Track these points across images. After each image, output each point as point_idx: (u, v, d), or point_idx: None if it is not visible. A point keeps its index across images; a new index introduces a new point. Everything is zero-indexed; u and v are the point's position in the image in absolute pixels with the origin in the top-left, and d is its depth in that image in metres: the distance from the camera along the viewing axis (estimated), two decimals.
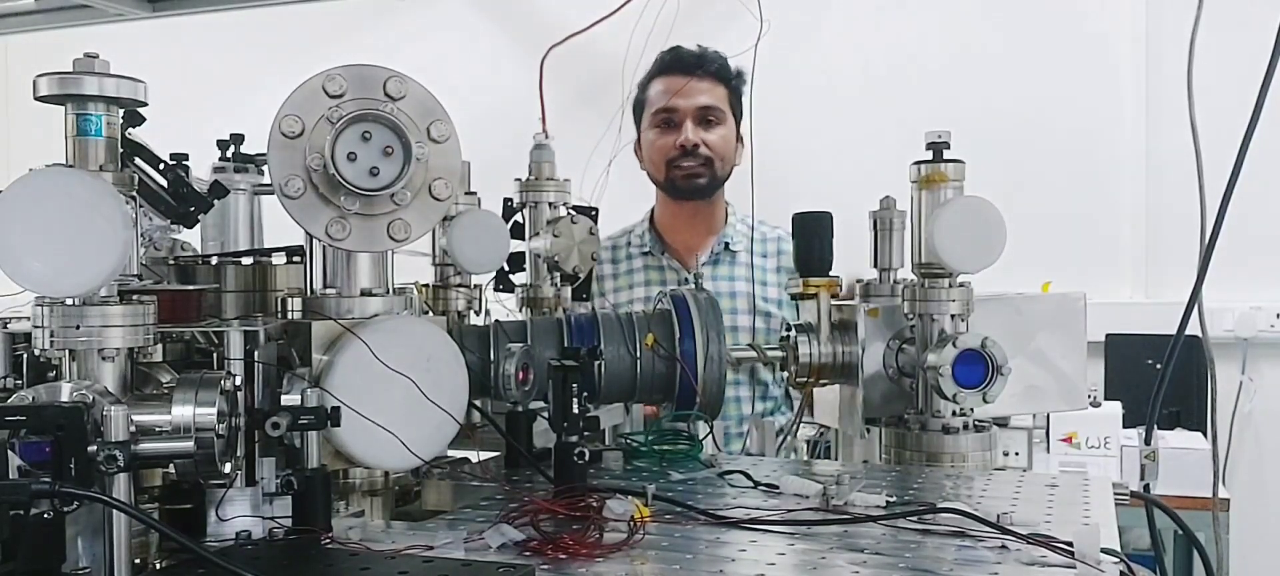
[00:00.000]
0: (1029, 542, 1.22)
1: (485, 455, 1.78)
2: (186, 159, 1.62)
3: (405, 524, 1.39)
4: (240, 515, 1.25)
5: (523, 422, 1.72)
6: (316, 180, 1.30)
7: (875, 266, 1.92)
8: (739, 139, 2.82)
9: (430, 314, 1.71)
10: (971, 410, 1.73)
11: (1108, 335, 3.94)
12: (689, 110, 2.73)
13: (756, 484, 1.56)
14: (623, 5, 2.03)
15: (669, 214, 2.87)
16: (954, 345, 1.66)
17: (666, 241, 2.85)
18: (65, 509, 1.01)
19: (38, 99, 1.26)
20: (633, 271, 2.84)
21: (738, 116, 2.80)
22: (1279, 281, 3.99)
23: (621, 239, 2.89)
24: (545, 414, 1.58)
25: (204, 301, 1.52)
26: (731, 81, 2.78)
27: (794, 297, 1.95)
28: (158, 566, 1.20)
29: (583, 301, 1.99)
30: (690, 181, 2.75)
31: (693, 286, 1.86)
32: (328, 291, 1.41)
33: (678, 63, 2.74)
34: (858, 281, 1.97)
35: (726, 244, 2.80)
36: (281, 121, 1.29)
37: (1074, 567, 1.14)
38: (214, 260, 1.64)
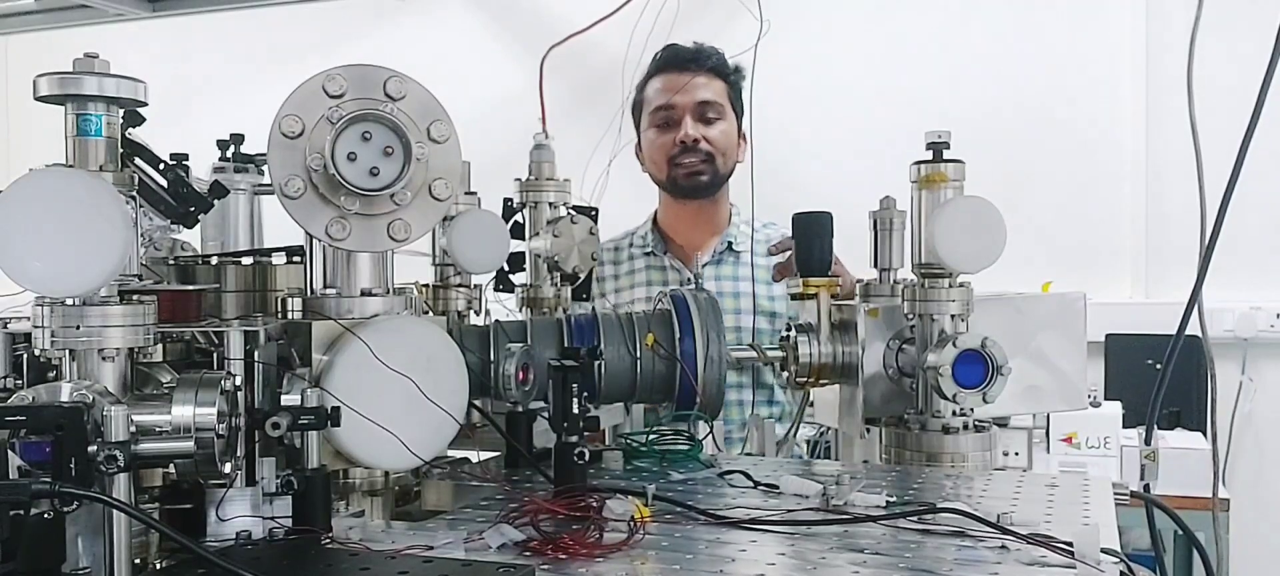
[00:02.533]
0: (1029, 542, 1.22)
1: (485, 455, 1.78)
2: (186, 159, 1.62)
3: (405, 524, 1.39)
4: (240, 515, 1.25)
5: (523, 422, 1.71)
6: (316, 180, 1.30)
7: (875, 266, 1.92)
8: (741, 136, 2.80)
9: (430, 314, 1.71)
10: (971, 410, 1.73)
11: (1108, 335, 3.94)
12: (688, 106, 2.71)
13: (756, 484, 1.56)
14: (623, 5, 2.03)
15: (672, 214, 2.85)
16: (954, 345, 1.66)
17: (670, 240, 2.84)
18: (65, 509, 1.01)
19: (38, 99, 1.26)
20: (634, 271, 2.83)
21: (738, 112, 2.79)
22: (1279, 281, 3.99)
23: (624, 240, 2.88)
24: (545, 414, 1.58)
25: (204, 301, 1.52)
26: (730, 77, 2.76)
27: (794, 297, 1.95)
28: (158, 566, 1.20)
29: (583, 301, 1.99)
30: (692, 179, 2.73)
31: (693, 286, 1.86)
32: (328, 291, 1.41)
33: (675, 60, 2.73)
34: (859, 281, 1.97)
35: (729, 243, 2.79)
36: (281, 121, 1.29)
37: (1074, 567, 1.14)
38: (214, 260, 1.64)
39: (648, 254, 2.83)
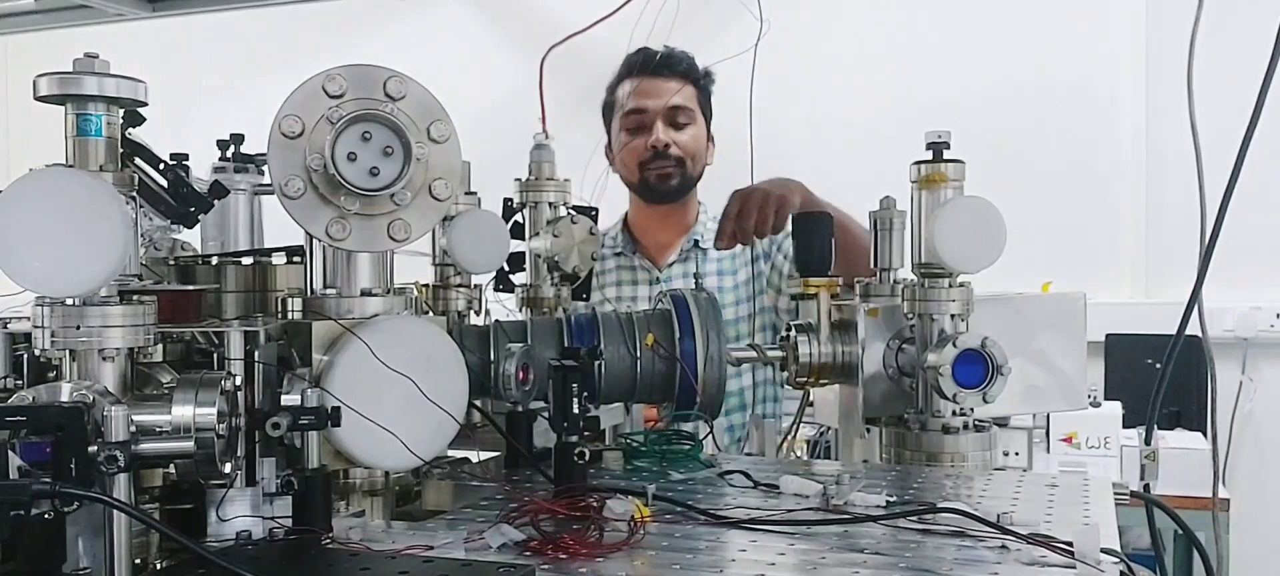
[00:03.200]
0: (1029, 542, 1.22)
1: (485, 455, 1.78)
2: (186, 159, 1.62)
3: (405, 524, 1.39)
4: (240, 515, 1.25)
5: (523, 422, 1.72)
6: (316, 180, 1.30)
7: (875, 266, 1.92)
8: (710, 139, 2.82)
9: (430, 314, 1.71)
10: (971, 410, 1.73)
11: (1108, 335, 3.94)
12: (659, 111, 2.73)
13: (756, 484, 1.56)
14: (623, 5, 2.03)
15: (642, 215, 2.88)
16: (954, 345, 1.66)
17: (638, 242, 2.86)
18: (65, 509, 1.01)
19: (38, 99, 1.26)
20: (604, 271, 2.85)
21: (707, 116, 2.81)
22: (1279, 281, 3.99)
23: None
24: (545, 414, 1.58)
25: (204, 301, 1.52)
26: (700, 81, 2.78)
27: (794, 298, 1.95)
28: (158, 566, 1.20)
29: (583, 301, 1.99)
30: (663, 182, 2.76)
31: (693, 286, 1.86)
32: (328, 291, 1.41)
33: (645, 64, 2.74)
34: (857, 280, 1.97)
35: (696, 242, 2.81)
36: (281, 121, 1.29)
37: (1074, 567, 1.14)
38: (214, 260, 1.64)
39: (618, 254, 2.85)
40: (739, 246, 2.68)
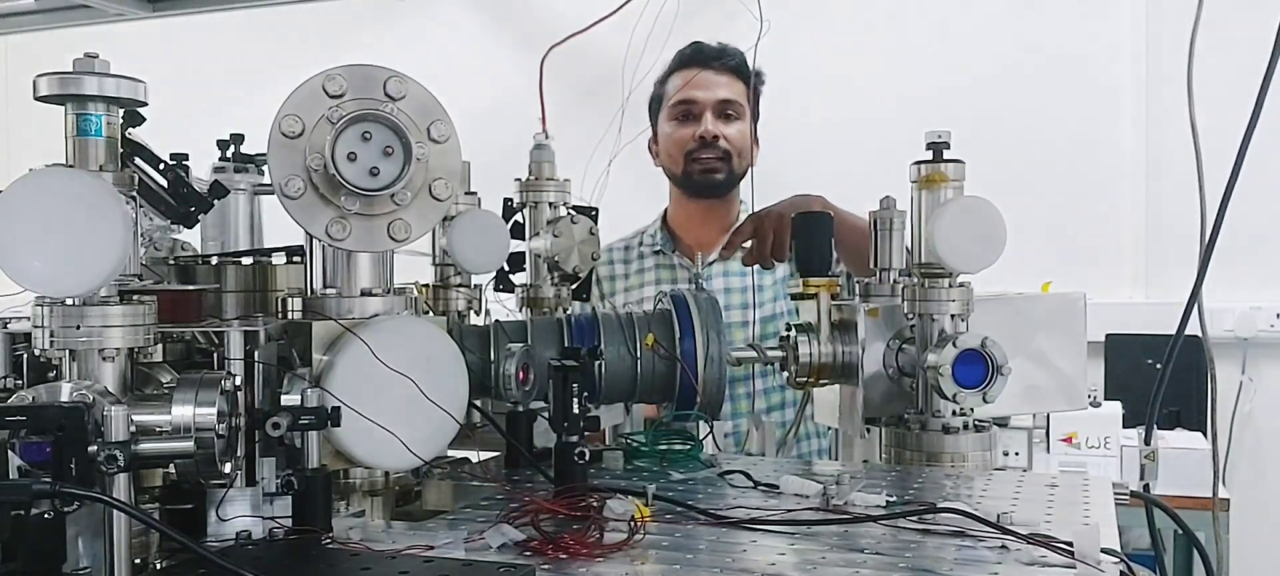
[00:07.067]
0: (1029, 542, 1.22)
1: (485, 455, 1.78)
2: (186, 159, 1.62)
3: (405, 524, 1.39)
4: (240, 515, 1.25)
5: (523, 422, 1.72)
6: (316, 180, 1.30)
7: (875, 266, 1.92)
8: (755, 139, 2.80)
9: (430, 314, 1.71)
10: (971, 410, 1.73)
11: (1108, 335, 3.94)
12: (709, 102, 2.70)
13: (756, 484, 1.56)
14: (623, 5, 2.03)
15: (683, 212, 2.84)
16: (954, 345, 1.66)
17: (678, 239, 2.83)
18: (66, 509, 1.01)
19: (38, 99, 1.26)
20: (644, 271, 2.82)
21: (755, 115, 2.79)
22: (1279, 281, 3.99)
23: (634, 239, 2.87)
24: (545, 414, 1.58)
25: (204, 301, 1.52)
26: (749, 78, 2.76)
27: (794, 297, 1.95)
28: (158, 566, 1.20)
29: (583, 301, 1.99)
30: (708, 175, 2.72)
31: (693, 286, 1.86)
32: (328, 291, 1.41)
33: (698, 56, 2.72)
34: (860, 280, 1.97)
35: None
36: (281, 121, 1.29)
37: (1074, 567, 1.15)
38: (214, 260, 1.64)
39: (657, 253, 2.82)
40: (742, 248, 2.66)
